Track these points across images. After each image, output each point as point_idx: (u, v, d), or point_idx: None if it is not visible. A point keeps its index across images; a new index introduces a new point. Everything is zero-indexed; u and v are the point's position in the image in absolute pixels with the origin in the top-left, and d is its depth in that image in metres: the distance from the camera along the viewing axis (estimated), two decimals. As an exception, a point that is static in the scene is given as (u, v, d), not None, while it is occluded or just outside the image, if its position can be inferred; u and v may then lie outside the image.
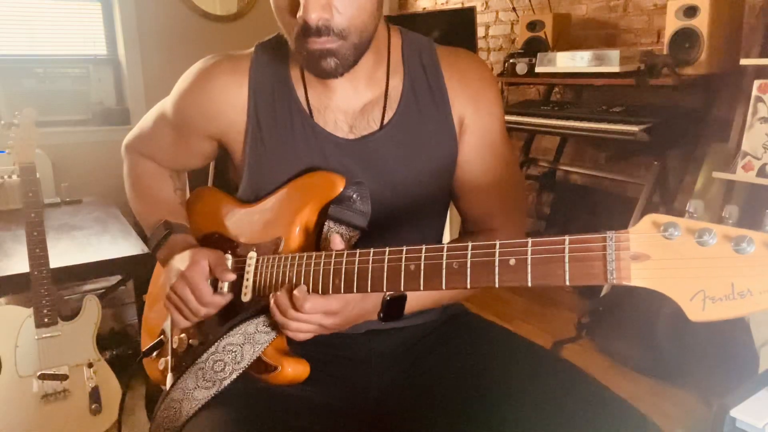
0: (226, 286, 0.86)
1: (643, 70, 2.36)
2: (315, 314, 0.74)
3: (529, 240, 0.59)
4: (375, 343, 0.92)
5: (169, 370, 0.92)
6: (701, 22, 2.23)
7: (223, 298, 0.86)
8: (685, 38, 2.29)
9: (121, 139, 1.09)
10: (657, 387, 2.01)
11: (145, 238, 1.34)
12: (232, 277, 0.85)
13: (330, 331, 0.78)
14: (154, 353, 0.98)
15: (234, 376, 0.80)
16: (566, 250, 0.56)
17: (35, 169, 1.71)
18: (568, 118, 2.56)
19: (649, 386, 2.02)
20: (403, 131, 0.89)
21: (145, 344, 1.02)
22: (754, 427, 1.17)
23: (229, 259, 0.88)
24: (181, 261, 0.88)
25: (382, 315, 0.80)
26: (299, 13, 0.75)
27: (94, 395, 1.66)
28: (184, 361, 0.90)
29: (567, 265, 0.56)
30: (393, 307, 0.80)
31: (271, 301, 0.77)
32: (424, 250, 0.66)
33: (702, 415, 1.84)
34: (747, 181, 2.01)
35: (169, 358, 0.93)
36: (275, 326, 0.79)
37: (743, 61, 2.05)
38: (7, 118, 1.73)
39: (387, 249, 0.69)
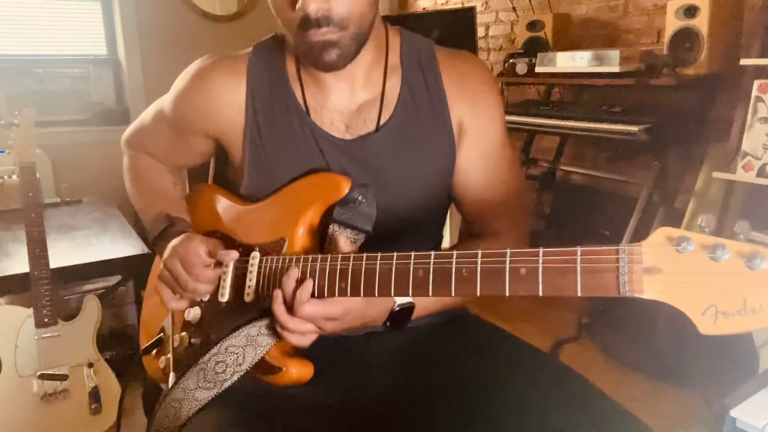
0: (228, 283, 0.86)
1: (643, 70, 2.36)
2: (315, 318, 0.74)
3: (541, 249, 0.58)
4: (375, 345, 0.92)
5: (171, 369, 0.91)
6: (701, 22, 2.23)
7: (212, 272, 0.85)
8: (685, 38, 2.29)
9: (121, 139, 1.10)
10: (657, 387, 2.01)
11: (145, 238, 1.33)
12: (234, 255, 0.85)
13: (329, 334, 0.78)
14: (154, 351, 0.98)
15: (235, 378, 0.79)
16: (578, 261, 0.56)
17: (35, 169, 1.71)
18: (568, 118, 2.56)
19: (649, 386, 2.02)
20: (399, 133, 0.89)
21: (143, 342, 1.02)
22: (754, 427, 1.16)
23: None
24: (176, 241, 0.88)
25: (388, 324, 0.80)
26: (298, 5, 0.76)
27: (94, 395, 1.66)
28: (186, 359, 0.90)
29: (579, 277, 0.56)
30: (400, 317, 0.80)
31: (273, 297, 0.76)
32: (433, 257, 0.66)
33: (702, 415, 1.84)
34: (747, 181, 2.00)
35: (170, 355, 0.93)
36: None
37: (743, 61, 2.05)
38: (7, 118, 1.73)
39: (395, 254, 0.69)
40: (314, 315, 0.73)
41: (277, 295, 0.75)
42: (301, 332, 0.75)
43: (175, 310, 0.94)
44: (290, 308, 0.74)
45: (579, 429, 0.73)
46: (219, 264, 0.86)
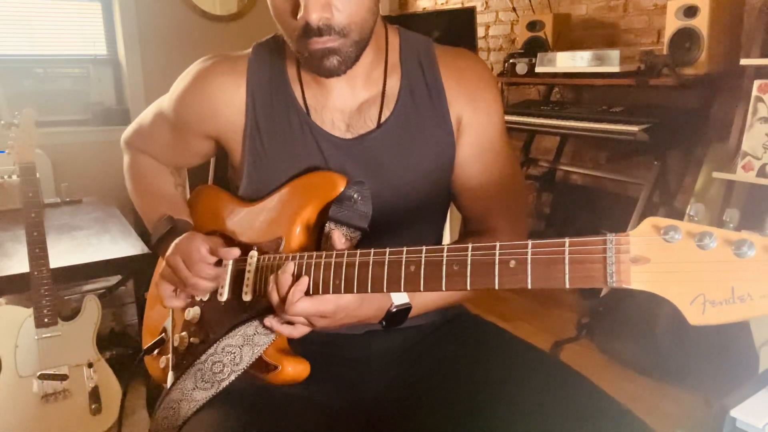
0: (227, 282, 0.86)
1: (643, 70, 2.36)
2: (306, 315, 0.74)
3: (530, 242, 0.58)
4: (375, 344, 0.92)
5: (170, 369, 0.92)
6: (701, 22, 2.23)
7: (212, 269, 0.85)
8: (685, 38, 2.29)
9: (120, 139, 1.10)
10: (657, 387, 2.01)
11: (145, 237, 1.32)
12: (235, 252, 0.85)
13: (320, 330, 0.78)
14: (155, 351, 0.99)
15: (232, 377, 0.79)
16: (566, 252, 0.56)
17: (35, 169, 1.71)
18: (568, 118, 2.56)
19: (649, 386, 2.02)
20: (400, 131, 0.89)
21: (146, 343, 1.02)
22: (754, 427, 1.16)
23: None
24: (177, 239, 0.89)
25: (384, 323, 0.80)
26: (300, 14, 0.76)
27: (94, 395, 1.66)
28: (185, 359, 0.90)
29: (567, 268, 0.55)
30: (397, 317, 0.80)
31: (270, 284, 0.77)
32: (424, 251, 0.66)
33: (702, 415, 1.84)
34: (747, 181, 2.01)
35: (170, 356, 0.93)
36: None
37: (743, 61, 2.05)
38: (7, 118, 1.74)
39: (387, 250, 0.69)
40: (306, 312, 0.73)
41: (272, 285, 0.76)
42: (292, 322, 0.76)
43: (172, 308, 0.95)
44: (284, 302, 0.75)
45: (579, 427, 0.73)
46: (220, 262, 0.87)
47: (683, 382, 1.99)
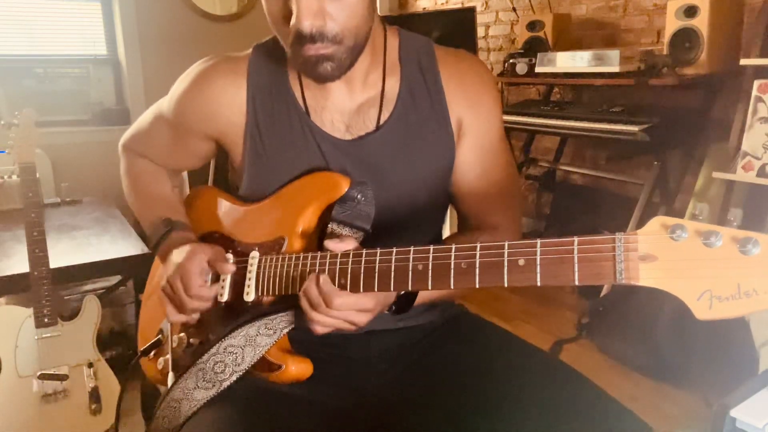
0: (227, 283, 0.86)
1: (643, 70, 2.36)
2: (346, 311, 0.73)
3: (538, 241, 0.60)
4: (375, 343, 0.92)
5: (170, 369, 0.91)
6: (701, 22, 2.24)
7: (209, 291, 0.85)
8: (685, 38, 2.29)
9: (118, 144, 1.10)
10: (657, 387, 2.01)
11: (145, 238, 1.31)
12: (232, 268, 0.86)
13: (355, 328, 0.76)
14: (152, 353, 0.98)
15: (234, 378, 0.79)
16: (575, 251, 0.57)
17: (35, 169, 1.71)
18: (568, 118, 2.56)
19: (649, 386, 2.02)
20: (399, 132, 0.89)
21: (141, 344, 1.02)
22: (754, 427, 1.16)
23: (230, 259, 0.88)
24: (179, 254, 0.88)
25: (394, 308, 0.80)
26: (292, 22, 0.76)
27: (94, 395, 1.65)
28: (185, 359, 0.90)
29: (576, 266, 0.57)
30: (405, 300, 0.80)
31: (300, 293, 0.75)
32: (432, 251, 0.66)
33: (702, 415, 1.84)
34: (747, 181, 2.01)
35: (169, 356, 0.93)
36: (277, 329, 0.80)
37: (743, 61, 2.05)
38: (7, 118, 1.73)
39: (394, 249, 0.69)
40: (347, 305, 0.72)
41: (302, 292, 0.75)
42: (326, 323, 0.74)
43: (176, 323, 0.94)
44: (316, 306, 0.73)
45: (579, 427, 0.73)
46: (218, 279, 0.87)
47: (683, 382, 1.99)
